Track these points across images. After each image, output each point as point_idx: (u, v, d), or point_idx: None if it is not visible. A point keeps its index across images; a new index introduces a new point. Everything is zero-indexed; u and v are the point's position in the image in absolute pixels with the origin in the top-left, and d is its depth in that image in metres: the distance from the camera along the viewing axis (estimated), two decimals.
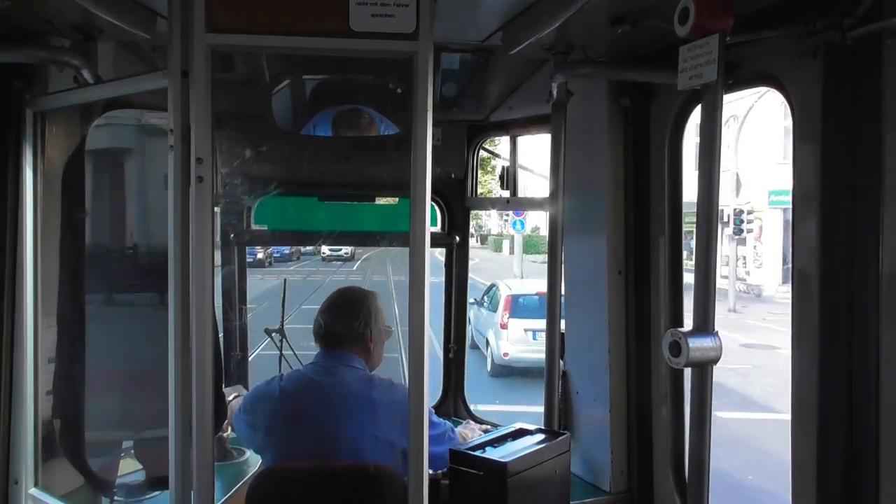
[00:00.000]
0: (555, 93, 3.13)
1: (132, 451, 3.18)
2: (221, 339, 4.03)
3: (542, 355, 3.34)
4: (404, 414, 2.19)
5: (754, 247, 31.32)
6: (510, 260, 38.96)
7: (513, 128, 4.20)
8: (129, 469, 3.18)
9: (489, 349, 17.07)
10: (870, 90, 2.16)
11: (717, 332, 2.12)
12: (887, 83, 2.11)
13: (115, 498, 3.15)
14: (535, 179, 4.27)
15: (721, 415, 11.76)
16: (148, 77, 2.42)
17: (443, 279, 4.57)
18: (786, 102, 2.48)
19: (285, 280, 4.33)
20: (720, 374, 3.09)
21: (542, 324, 3.40)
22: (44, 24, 2.67)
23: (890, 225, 2.13)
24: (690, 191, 2.61)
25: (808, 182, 2.37)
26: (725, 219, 25.89)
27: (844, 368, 2.26)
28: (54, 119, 2.95)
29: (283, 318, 4.00)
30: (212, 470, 2.16)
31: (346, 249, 21.07)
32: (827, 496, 2.32)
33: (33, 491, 2.91)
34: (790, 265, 2.53)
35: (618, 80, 3.18)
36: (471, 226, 4.72)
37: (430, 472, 2.26)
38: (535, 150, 4.73)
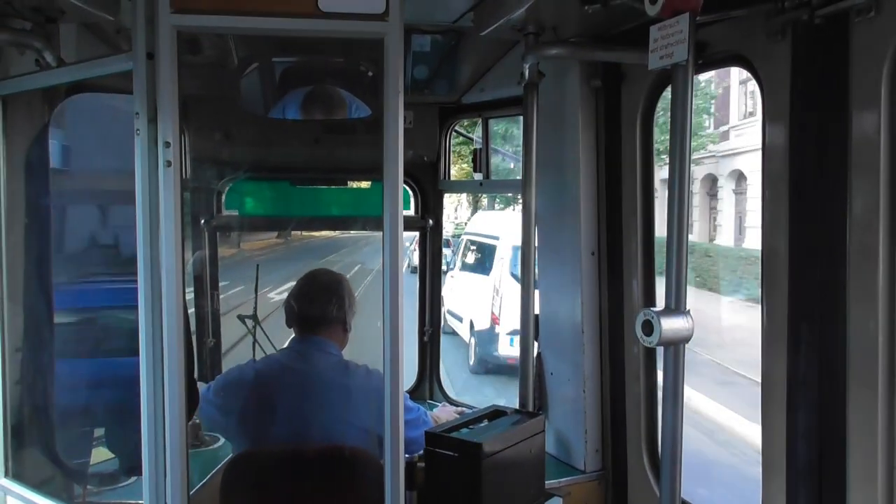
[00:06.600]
0: (526, 74, 3.12)
1: (104, 440, 3.14)
2: (193, 327, 3.99)
3: None
4: (380, 400, 2.18)
5: None
6: None
7: (485, 110, 4.18)
8: (102, 457, 3.15)
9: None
10: (837, 69, 2.18)
11: (688, 311, 2.14)
12: (854, 62, 2.13)
13: (89, 487, 3.11)
14: None
15: None
16: (112, 59, 2.37)
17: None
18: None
19: (258, 266, 4.28)
20: None
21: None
22: (3, 6, 2.59)
23: (857, 203, 2.16)
24: None
25: (778, 161, 2.39)
26: None
27: (813, 345, 2.30)
28: (16, 104, 2.87)
29: (255, 304, 3.96)
30: (185, 456, 2.14)
31: None
32: (796, 471, 2.36)
33: (3, 481, 2.86)
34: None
35: (589, 61, 3.18)
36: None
37: (406, 456, 2.27)
38: None
